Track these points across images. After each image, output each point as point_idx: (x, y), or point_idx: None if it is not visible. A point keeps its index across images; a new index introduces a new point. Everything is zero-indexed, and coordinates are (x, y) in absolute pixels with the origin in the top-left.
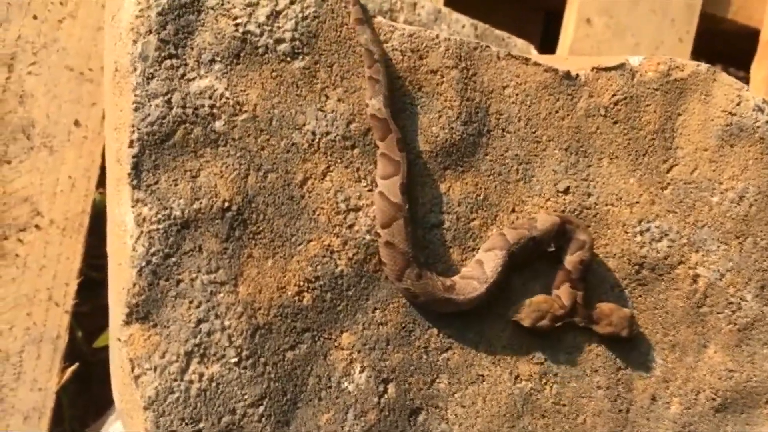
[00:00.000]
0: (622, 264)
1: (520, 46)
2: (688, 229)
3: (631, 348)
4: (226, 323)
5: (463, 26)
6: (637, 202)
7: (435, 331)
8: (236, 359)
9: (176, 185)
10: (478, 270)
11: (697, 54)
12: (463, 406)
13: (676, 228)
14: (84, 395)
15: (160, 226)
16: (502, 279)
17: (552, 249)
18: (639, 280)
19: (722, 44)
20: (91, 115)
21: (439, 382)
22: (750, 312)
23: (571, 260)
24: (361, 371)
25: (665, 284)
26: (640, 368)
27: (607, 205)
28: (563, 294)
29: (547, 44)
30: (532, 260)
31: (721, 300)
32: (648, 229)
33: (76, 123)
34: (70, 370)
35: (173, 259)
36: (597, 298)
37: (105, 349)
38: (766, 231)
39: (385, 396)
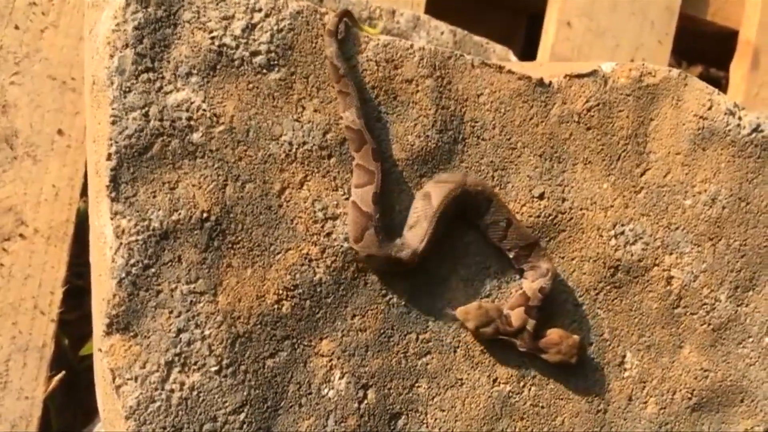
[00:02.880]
0: (597, 267)
1: (499, 51)
2: (662, 232)
3: (608, 350)
4: (206, 332)
5: (442, 33)
6: (612, 206)
7: (413, 336)
8: (216, 368)
9: (155, 197)
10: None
11: (677, 55)
12: (443, 410)
13: (650, 231)
14: (71, 403)
15: (139, 238)
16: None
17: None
18: (614, 283)
19: (702, 45)
20: (74, 124)
21: (419, 387)
22: (724, 312)
23: (531, 287)
24: (341, 377)
25: (640, 286)
26: (616, 369)
27: (581, 209)
28: (515, 316)
29: (530, 48)
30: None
31: (695, 301)
32: (622, 233)
33: (60, 132)
34: (56, 378)
35: (153, 270)
36: (549, 323)
37: (91, 356)
38: (738, 233)
39: (365, 401)
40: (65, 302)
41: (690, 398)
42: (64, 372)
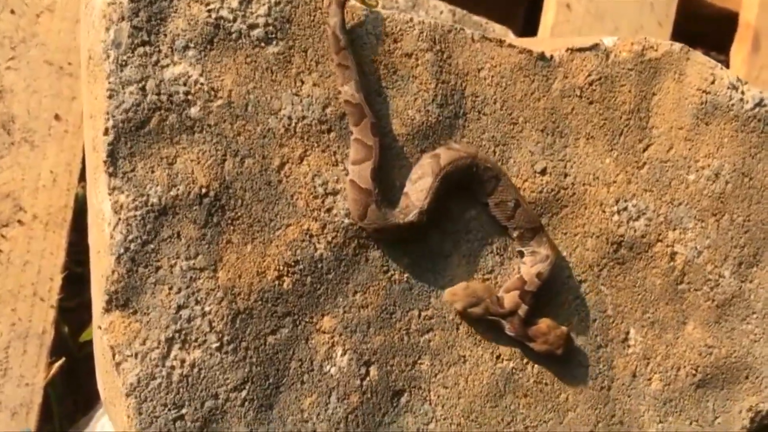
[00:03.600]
0: (600, 243)
1: (498, 30)
2: (665, 208)
3: (611, 326)
4: (207, 309)
5: (441, 12)
6: (614, 182)
7: (415, 313)
8: (217, 344)
9: (153, 172)
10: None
11: (677, 38)
12: (446, 387)
13: (653, 206)
14: (72, 390)
15: (138, 213)
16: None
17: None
18: (617, 259)
19: (702, 28)
20: (71, 109)
21: (421, 364)
22: (728, 288)
23: (529, 272)
24: (343, 354)
25: (643, 262)
26: (620, 346)
27: (584, 185)
28: (508, 299)
29: (529, 32)
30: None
31: (699, 277)
32: (625, 208)
33: (57, 117)
34: (56, 364)
35: (151, 246)
36: (546, 309)
37: (91, 344)
38: (742, 208)
39: (368, 378)
40: (65, 289)
41: (694, 375)
42: (64, 359)
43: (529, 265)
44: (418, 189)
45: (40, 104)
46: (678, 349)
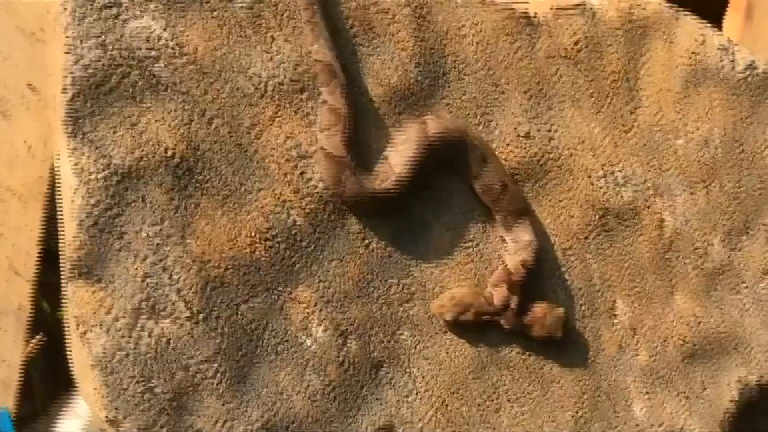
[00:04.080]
0: (586, 211)
1: None
2: (653, 175)
3: (598, 297)
4: (176, 277)
5: None
6: (601, 147)
7: (395, 282)
8: (187, 314)
9: (115, 133)
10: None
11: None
12: (427, 359)
13: (640, 173)
14: (54, 369)
15: (100, 176)
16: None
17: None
18: (603, 227)
19: None
20: (45, 78)
21: (401, 335)
22: (717, 258)
23: (513, 261)
24: (320, 326)
25: (630, 231)
26: (606, 317)
27: (569, 150)
28: (497, 294)
29: None
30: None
31: (687, 246)
32: (612, 175)
33: (30, 86)
34: (34, 340)
35: (116, 211)
36: (534, 293)
37: None
38: (732, 175)
39: (346, 350)
40: (44, 265)
41: (682, 346)
42: (41, 335)
43: (513, 253)
44: (399, 156)
45: (13, 73)
46: (666, 320)
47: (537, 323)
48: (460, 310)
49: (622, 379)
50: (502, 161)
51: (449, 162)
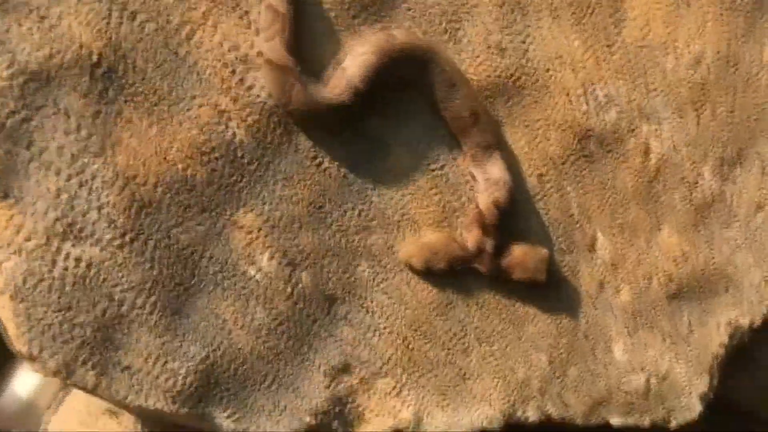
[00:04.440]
0: (565, 135)
1: None
2: (639, 97)
3: (577, 230)
4: (103, 199)
5: None
6: (582, 66)
7: (352, 210)
8: (111, 236)
9: (21, 26)
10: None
11: None
12: (387, 295)
13: (625, 95)
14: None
15: (12, 83)
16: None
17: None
18: (584, 154)
19: None
20: None
21: (359, 267)
22: (708, 190)
23: (486, 201)
24: (265, 254)
25: (614, 158)
26: (586, 252)
27: (547, 68)
28: (471, 238)
29: None
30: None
31: (675, 176)
32: (594, 97)
33: None
34: None
35: (23, 116)
36: (512, 236)
37: None
38: (725, 99)
39: (295, 282)
40: None
41: (668, 285)
42: None
43: (484, 192)
44: (357, 64)
45: None
46: (651, 256)
47: (518, 266)
48: (431, 257)
49: (602, 320)
50: (471, 77)
51: (413, 83)
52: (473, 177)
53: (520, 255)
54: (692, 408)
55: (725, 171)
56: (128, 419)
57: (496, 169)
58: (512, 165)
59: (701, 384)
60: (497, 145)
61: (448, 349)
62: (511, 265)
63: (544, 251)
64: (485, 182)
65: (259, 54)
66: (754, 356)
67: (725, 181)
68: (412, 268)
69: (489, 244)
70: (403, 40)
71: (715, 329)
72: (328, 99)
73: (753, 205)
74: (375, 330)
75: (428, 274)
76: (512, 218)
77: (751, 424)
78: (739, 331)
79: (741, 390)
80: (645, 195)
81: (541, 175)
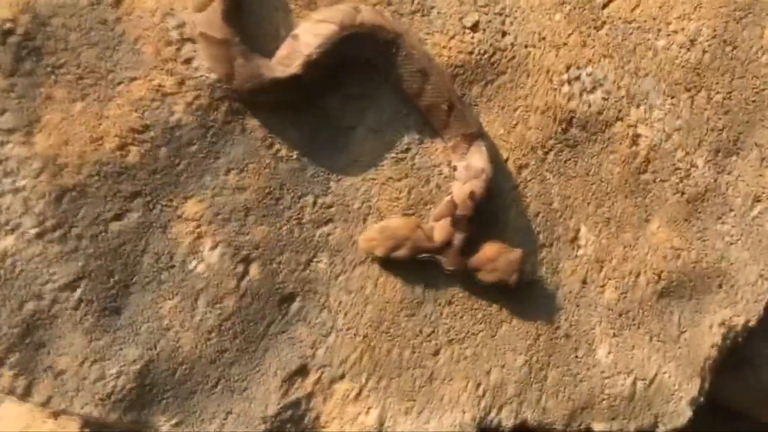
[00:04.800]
0: (546, 120)
1: None
2: (628, 79)
3: (558, 222)
4: (20, 183)
5: None
6: (565, 44)
7: (310, 199)
8: (37, 230)
9: None
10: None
11: None
12: (349, 291)
13: (612, 77)
14: None
15: None
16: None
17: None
18: (567, 141)
19: None
20: None
21: (318, 262)
22: (701, 180)
23: (461, 191)
24: (213, 248)
25: (599, 145)
26: (568, 246)
27: (527, 46)
28: (439, 229)
29: None
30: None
31: (666, 165)
32: (578, 78)
33: None
34: None
35: None
36: (485, 234)
37: None
38: (721, 83)
39: (247, 278)
40: None
41: (657, 282)
42: None
43: (462, 182)
44: (313, 34)
45: None
46: (638, 251)
47: (486, 265)
48: (393, 244)
49: (586, 319)
50: (442, 55)
51: (377, 67)
52: (453, 167)
53: (491, 254)
54: (681, 413)
55: (720, 160)
56: (69, 421)
57: (477, 158)
58: (491, 153)
59: (692, 388)
60: (479, 133)
61: (417, 350)
62: (479, 264)
63: (517, 252)
64: (464, 170)
65: (201, 35)
66: (745, 354)
67: (720, 172)
68: (371, 254)
69: (458, 238)
70: (371, 19)
71: (708, 329)
72: (277, 73)
73: (750, 197)
74: (334, 329)
75: (388, 262)
76: (488, 213)
77: (741, 423)
78: (733, 331)
79: (730, 389)
80: (633, 186)
81: (521, 166)
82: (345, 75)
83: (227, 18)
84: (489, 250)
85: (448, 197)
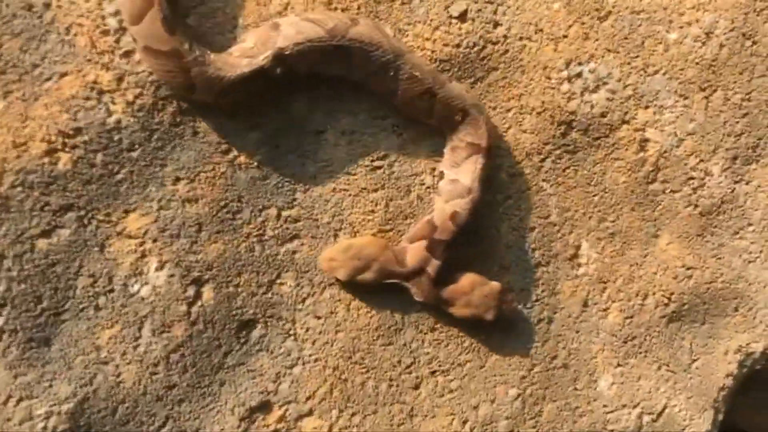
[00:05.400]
0: (543, 122)
1: None
2: (635, 77)
3: (556, 238)
4: None
5: None
6: (565, 37)
7: (273, 212)
8: None
9: None
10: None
11: None
12: (318, 317)
13: (618, 74)
14: None
15: None
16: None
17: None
18: (566, 146)
19: None
20: None
21: (282, 284)
22: (717, 191)
23: (442, 211)
24: (160, 268)
25: (603, 152)
26: (567, 265)
27: (522, 39)
28: (413, 253)
29: None
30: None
31: (678, 174)
32: (579, 75)
33: None
34: None
35: None
36: (462, 265)
37: None
38: (740, 82)
39: (199, 303)
40: None
41: (667, 305)
42: None
43: (444, 199)
44: (297, 30)
45: None
46: (646, 270)
47: (460, 298)
48: (359, 265)
49: (586, 347)
50: (427, 52)
51: (374, 91)
52: (441, 175)
53: (467, 286)
54: None
55: (738, 168)
56: None
57: (468, 175)
58: (486, 172)
59: (704, 422)
60: (487, 148)
61: (393, 381)
62: (453, 295)
63: (495, 285)
64: (450, 187)
65: (145, 49)
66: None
67: (738, 182)
68: (332, 276)
69: (432, 265)
70: (365, 33)
71: (722, 357)
72: (242, 68)
73: None
74: (300, 359)
75: (352, 286)
76: (476, 227)
77: None
78: (750, 358)
79: (749, 413)
80: (641, 197)
81: (514, 174)
82: (316, 78)
83: (169, 25)
84: (465, 281)
85: (428, 216)
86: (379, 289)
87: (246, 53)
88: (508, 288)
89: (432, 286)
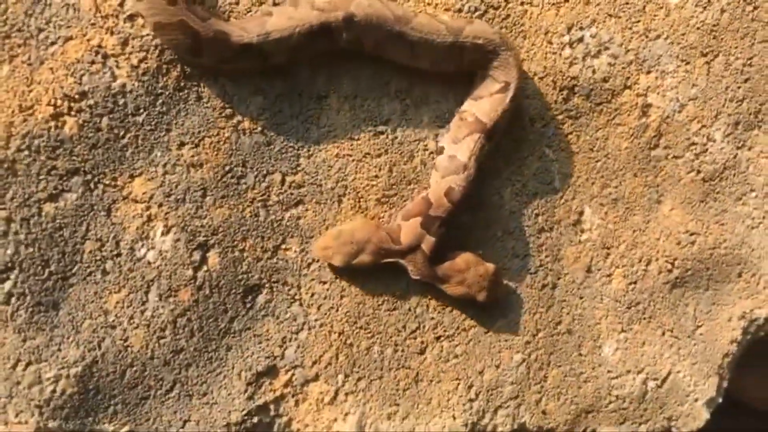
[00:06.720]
0: (545, 88)
1: None
2: (637, 41)
3: (559, 204)
4: None
5: None
6: (566, 1)
7: (277, 177)
8: None
9: None
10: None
11: None
12: (323, 282)
13: (619, 39)
14: None
15: None
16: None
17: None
18: (568, 111)
19: None
20: None
21: (288, 250)
22: (719, 156)
23: (438, 186)
24: (166, 233)
25: (604, 117)
26: (570, 231)
27: (523, 3)
28: (407, 230)
29: None
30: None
31: (680, 139)
32: (581, 39)
33: None
34: None
35: None
36: (456, 247)
37: None
38: (741, 47)
39: (205, 268)
40: None
41: (670, 270)
42: None
43: (441, 174)
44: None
45: None
46: (649, 236)
47: (455, 276)
48: (353, 250)
49: (590, 312)
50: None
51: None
52: (440, 149)
53: (461, 265)
54: (697, 416)
55: (740, 134)
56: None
57: (465, 152)
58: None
59: (708, 388)
60: (503, 43)
61: (398, 347)
62: (447, 273)
63: (490, 266)
64: (447, 161)
65: (155, 24)
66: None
67: (741, 148)
68: (328, 265)
69: (427, 242)
70: (370, 14)
71: (726, 323)
72: (252, 35)
73: None
74: (305, 324)
75: (349, 271)
76: (477, 186)
77: (762, 423)
78: (754, 324)
79: (751, 385)
80: (643, 163)
81: (516, 139)
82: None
83: None
84: (460, 260)
85: (423, 194)
86: (377, 270)
87: (254, 24)
88: (501, 270)
89: (427, 263)
